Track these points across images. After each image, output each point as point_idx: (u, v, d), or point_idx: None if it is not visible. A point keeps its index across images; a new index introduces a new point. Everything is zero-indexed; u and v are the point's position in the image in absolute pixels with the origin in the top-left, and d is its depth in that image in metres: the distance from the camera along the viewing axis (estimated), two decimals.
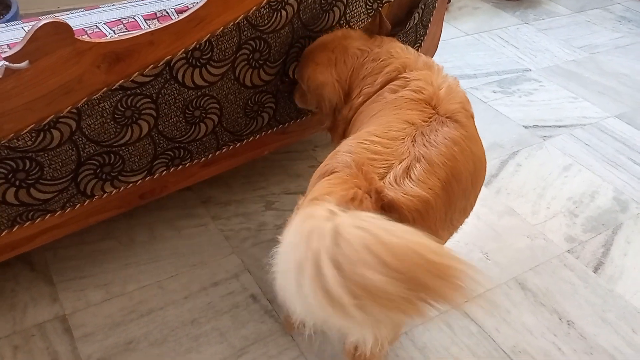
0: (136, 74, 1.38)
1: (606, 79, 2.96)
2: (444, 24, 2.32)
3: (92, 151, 1.44)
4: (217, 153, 1.75)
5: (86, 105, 1.35)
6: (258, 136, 1.83)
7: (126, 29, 1.80)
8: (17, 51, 1.17)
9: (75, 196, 1.50)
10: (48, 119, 1.30)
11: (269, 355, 1.52)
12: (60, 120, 1.32)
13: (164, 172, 1.65)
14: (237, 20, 1.47)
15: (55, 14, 1.80)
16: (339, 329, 0.90)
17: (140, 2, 1.98)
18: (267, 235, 1.85)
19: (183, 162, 1.68)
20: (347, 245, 0.83)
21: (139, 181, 1.61)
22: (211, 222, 1.88)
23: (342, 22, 1.75)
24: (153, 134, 1.53)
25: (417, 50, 2.13)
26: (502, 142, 2.40)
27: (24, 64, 1.20)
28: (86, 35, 1.72)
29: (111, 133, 1.44)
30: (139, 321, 1.57)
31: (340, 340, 1.34)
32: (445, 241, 1.34)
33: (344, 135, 1.48)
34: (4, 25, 1.83)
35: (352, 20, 1.77)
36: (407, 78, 1.42)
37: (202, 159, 1.72)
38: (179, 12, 1.91)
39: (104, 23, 1.82)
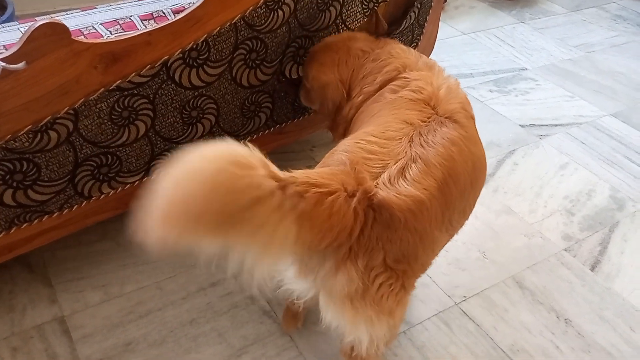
0: (133, 74, 1.38)
1: (602, 78, 2.97)
2: (440, 23, 2.32)
3: (89, 152, 1.44)
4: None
5: (83, 106, 1.34)
6: (255, 136, 1.83)
7: (123, 29, 1.79)
8: (14, 52, 1.17)
9: (73, 197, 1.49)
10: (45, 120, 1.30)
11: (268, 356, 1.52)
12: (57, 121, 1.32)
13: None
14: (234, 20, 1.47)
15: (52, 15, 1.79)
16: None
17: (136, 3, 1.98)
18: None
19: None
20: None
21: (137, 182, 1.60)
22: None
23: (338, 21, 1.75)
24: (150, 134, 1.53)
25: (414, 49, 2.13)
26: (498, 141, 2.41)
27: (20, 65, 1.19)
28: (83, 36, 1.72)
29: (108, 134, 1.44)
30: (137, 322, 1.57)
31: (339, 339, 1.34)
32: (446, 242, 1.34)
33: (345, 134, 1.49)
34: (0, 26, 1.82)
35: (348, 19, 1.77)
36: (407, 78, 1.42)
37: None
38: (176, 12, 1.90)
39: (101, 23, 1.82)
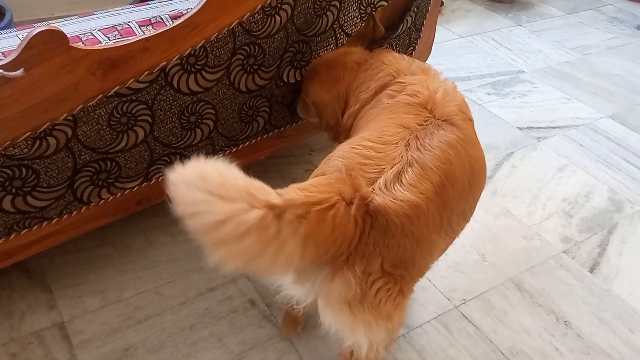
0: (131, 80, 1.38)
1: (599, 80, 2.98)
2: (437, 26, 2.33)
3: (88, 158, 1.44)
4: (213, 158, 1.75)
5: (82, 113, 1.35)
6: (254, 141, 1.83)
7: (120, 35, 1.80)
8: (12, 59, 1.17)
9: (72, 203, 1.50)
10: (44, 127, 1.30)
11: None
12: (56, 127, 1.33)
13: (161, 178, 1.65)
14: (232, 26, 1.48)
15: (49, 21, 1.80)
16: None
17: (134, 9, 1.98)
18: None
19: None
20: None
21: (136, 187, 1.61)
22: None
23: (335, 26, 1.75)
24: (149, 140, 1.53)
25: (411, 53, 2.14)
26: (496, 144, 2.42)
27: (19, 72, 1.20)
28: (80, 42, 1.72)
29: (107, 140, 1.44)
30: (136, 327, 1.57)
31: (338, 344, 1.35)
32: (447, 246, 1.34)
33: None
34: None
35: (345, 24, 1.78)
36: (403, 83, 1.42)
37: None
38: (173, 18, 1.91)
39: (99, 30, 1.82)
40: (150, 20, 1.89)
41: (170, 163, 1.63)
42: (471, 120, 1.38)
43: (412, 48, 2.14)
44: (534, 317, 1.70)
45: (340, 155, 1.18)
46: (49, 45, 1.20)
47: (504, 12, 3.63)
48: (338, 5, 1.71)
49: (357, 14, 1.79)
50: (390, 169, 1.13)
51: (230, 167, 0.99)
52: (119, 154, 1.50)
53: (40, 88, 1.24)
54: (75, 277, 1.69)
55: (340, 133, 1.59)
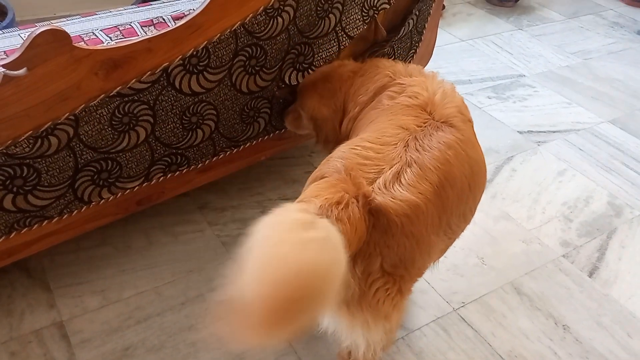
0: (133, 80, 1.39)
1: (599, 85, 2.98)
2: (439, 30, 2.33)
3: (89, 157, 1.44)
4: (214, 159, 1.75)
5: (84, 112, 1.35)
6: (255, 142, 1.84)
7: (123, 35, 1.80)
8: (15, 58, 1.18)
9: (73, 202, 1.50)
10: (46, 126, 1.31)
11: None
12: (57, 127, 1.33)
13: (161, 178, 1.66)
14: (234, 27, 1.48)
15: (52, 21, 1.80)
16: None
17: (136, 9, 1.99)
18: None
19: (180, 168, 1.68)
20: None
21: (136, 187, 1.61)
22: (208, 228, 1.89)
23: (337, 28, 1.76)
24: (150, 140, 1.53)
25: (413, 56, 2.15)
26: (497, 148, 2.42)
27: (22, 71, 1.20)
28: (83, 42, 1.73)
29: (109, 139, 1.45)
30: (136, 327, 1.57)
31: (337, 344, 1.35)
32: (447, 247, 1.34)
33: None
34: (0, 32, 1.83)
35: (347, 27, 1.78)
36: (403, 84, 1.43)
37: (199, 165, 1.73)
38: (175, 19, 1.92)
39: (101, 30, 1.83)
40: (152, 20, 1.89)
41: (171, 163, 1.64)
42: (470, 121, 1.38)
43: (414, 51, 2.15)
44: (533, 321, 1.70)
45: (340, 156, 1.19)
46: (52, 45, 1.20)
47: (505, 16, 3.64)
48: (340, 7, 1.72)
49: (359, 17, 1.79)
50: (389, 169, 1.14)
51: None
52: (120, 154, 1.50)
53: (43, 87, 1.25)
54: (75, 277, 1.69)
55: (341, 140, 1.59)
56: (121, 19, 1.90)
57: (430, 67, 2.34)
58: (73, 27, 1.82)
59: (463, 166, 1.23)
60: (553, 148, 2.45)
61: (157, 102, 1.47)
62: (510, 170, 2.30)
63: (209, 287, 1.69)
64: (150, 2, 2.08)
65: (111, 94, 1.37)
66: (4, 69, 1.19)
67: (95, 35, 1.80)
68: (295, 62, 1.74)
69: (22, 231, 1.46)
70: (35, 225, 1.47)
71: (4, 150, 1.28)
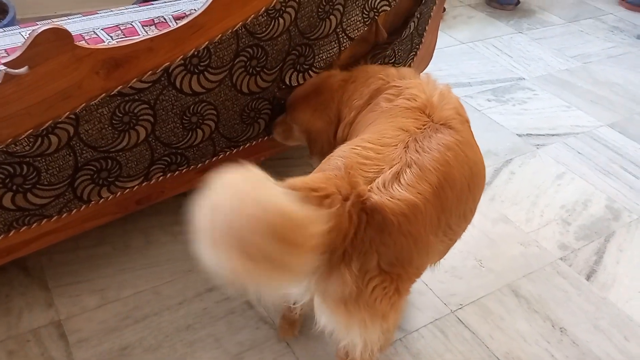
0: (135, 80, 1.39)
1: (599, 88, 2.99)
2: (439, 32, 2.34)
3: (89, 156, 1.44)
4: (213, 159, 1.75)
5: (84, 111, 1.35)
6: (255, 142, 1.84)
7: (124, 34, 1.80)
8: (17, 56, 1.18)
9: (72, 201, 1.50)
10: (46, 124, 1.30)
11: None
12: (58, 125, 1.33)
13: (161, 177, 1.66)
14: (235, 28, 1.48)
15: (53, 19, 1.80)
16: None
17: (137, 9, 1.99)
18: None
19: (180, 168, 1.68)
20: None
21: (136, 187, 1.61)
22: None
23: (338, 30, 1.76)
24: (150, 139, 1.53)
25: (413, 58, 2.15)
26: (496, 150, 2.42)
27: (23, 70, 1.20)
28: (84, 41, 1.73)
29: (109, 139, 1.45)
30: (134, 327, 1.57)
31: (335, 345, 1.35)
32: (448, 247, 1.35)
33: None
34: (1, 30, 1.83)
35: (348, 28, 1.78)
36: (399, 87, 1.44)
37: (199, 165, 1.73)
38: (177, 18, 1.92)
39: (102, 29, 1.83)
40: (153, 20, 1.89)
41: (170, 163, 1.64)
42: (467, 121, 1.40)
43: (414, 53, 2.15)
44: (531, 324, 1.71)
45: (340, 155, 1.20)
46: (54, 44, 1.20)
47: (505, 19, 3.65)
48: (341, 9, 1.72)
49: (360, 19, 1.80)
50: (389, 169, 1.15)
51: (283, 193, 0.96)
52: (120, 153, 1.50)
53: (44, 86, 1.25)
54: (74, 275, 1.69)
55: (337, 145, 1.59)
56: (122, 18, 1.90)
57: (430, 69, 2.35)
58: (74, 25, 1.82)
59: (462, 167, 1.24)
60: (552, 151, 2.46)
61: (158, 102, 1.47)
62: (509, 173, 2.30)
63: (207, 287, 1.70)
64: (151, 2, 2.08)
65: (112, 93, 1.37)
66: (5, 67, 1.19)
67: (97, 34, 1.80)
68: (296, 63, 1.74)
69: (21, 229, 1.46)
70: (35, 224, 1.47)
71: (4, 149, 1.28)
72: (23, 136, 1.29)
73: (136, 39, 1.34)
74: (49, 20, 1.68)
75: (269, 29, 1.55)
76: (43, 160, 1.36)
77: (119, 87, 1.37)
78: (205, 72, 1.51)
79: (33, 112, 1.27)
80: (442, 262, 1.78)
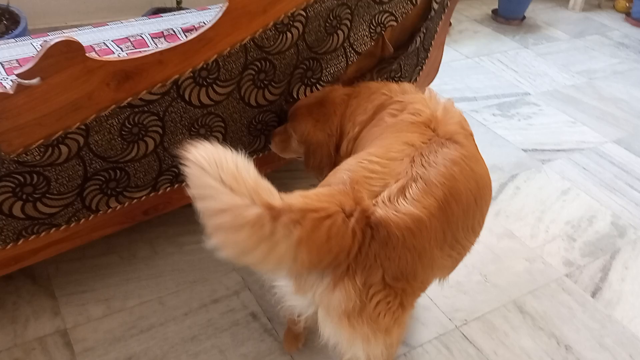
0: (144, 92, 1.40)
1: (604, 104, 3.00)
2: (445, 46, 2.35)
3: (98, 167, 1.46)
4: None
5: (95, 122, 1.37)
6: (261, 154, 1.85)
7: (133, 46, 1.83)
8: (29, 68, 1.20)
9: (80, 211, 1.51)
10: (57, 135, 1.32)
11: None
12: (68, 136, 1.34)
13: (168, 188, 1.67)
14: (244, 42, 1.50)
15: (63, 30, 1.83)
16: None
17: (147, 21, 2.01)
18: None
19: None
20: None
21: (144, 197, 1.62)
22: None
23: (345, 44, 1.78)
24: (159, 150, 1.55)
25: (419, 73, 2.17)
26: (501, 165, 2.43)
27: (35, 81, 1.22)
28: (94, 52, 1.75)
29: (118, 149, 1.46)
30: (139, 337, 1.58)
31: (338, 359, 1.35)
32: (457, 262, 1.35)
33: None
34: (13, 40, 1.86)
35: (355, 42, 1.80)
36: (403, 102, 1.45)
37: None
38: (186, 31, 1.94)
39: (112, 40, 1.85)
40: (162, 32, 1.91)
41: (178, 174, 1.65)
42: (471, 135, 1.40)
43: (420, 68, 2.17)
44: (535, 341, 1.70)
45: (347, 169, 1.21)
46: (65, 56, 1.22)
47: (510, 34, 3.66)
48: (349, 24, 1.74)
49: (367, 33, 1.81)
50: (395, 183, 1.15)
51: (247, 162, 1.03)
52: (129, 164, 1.51)
53: (55, 97, 1.26)
54: (80, 285, 1.70)
55: (340, 161, 1.59)
56: (132, 29, 1.93)
57: (435, 83, 2.36)
58: (85, 37, 1.85)
59: (469, 182, 1.24)
60: (557, 167, 2.46)
61: (167, 114, 1.49)
62: (514, 188, 2.31)
63: (212, 298, 1.70)
64: (161, 14, 2.10)
65: (122, 104, 1.38)
66: (18, 78, 1.20)
67: (107, 45, 1.82)
68: (304, 77, 1.75)
69: (30, 238, 1.47)
70: (43, 233, 1.48)
71: (15, 158, 1.30)
72: (34, 146, 1.30)
73: (146, 51, 1.36)
74: (60, 31, 1.71)
75: (277, 43, 1.57)
76: (53, 169, 1.38)
77: (128, 99, 1.39)
78: (213, 85, 1.52)
79: (44, 122, 1.28)
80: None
